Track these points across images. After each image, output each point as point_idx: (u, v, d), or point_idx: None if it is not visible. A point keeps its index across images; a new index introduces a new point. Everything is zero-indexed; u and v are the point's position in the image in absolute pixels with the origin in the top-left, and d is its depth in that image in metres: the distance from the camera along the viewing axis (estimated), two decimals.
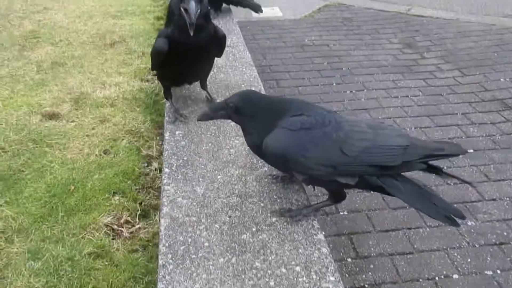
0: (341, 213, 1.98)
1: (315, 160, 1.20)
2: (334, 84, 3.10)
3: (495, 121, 2.58)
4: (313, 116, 1.26)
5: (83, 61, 2.78)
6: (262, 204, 1.36)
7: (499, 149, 2.35)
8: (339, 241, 1.84)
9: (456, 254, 1.75)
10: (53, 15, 3.55)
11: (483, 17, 4.13)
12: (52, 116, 2.16)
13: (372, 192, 2.00)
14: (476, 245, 1.78)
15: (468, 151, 2.33)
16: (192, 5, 1.49)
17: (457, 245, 1.79)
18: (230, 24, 2.86)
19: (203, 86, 1.96)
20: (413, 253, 1.76)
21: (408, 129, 2.54)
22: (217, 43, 1.82)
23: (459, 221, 1.28)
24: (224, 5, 3.17)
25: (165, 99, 1.93)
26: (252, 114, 1.29)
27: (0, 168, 1.82)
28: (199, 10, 1.52)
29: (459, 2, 4.51)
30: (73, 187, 1.72)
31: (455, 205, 1.86)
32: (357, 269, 1.71)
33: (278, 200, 1.37)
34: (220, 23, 2.81)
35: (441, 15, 4.21)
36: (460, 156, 2.26)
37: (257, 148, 1.30)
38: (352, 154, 1.20)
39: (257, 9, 3.25)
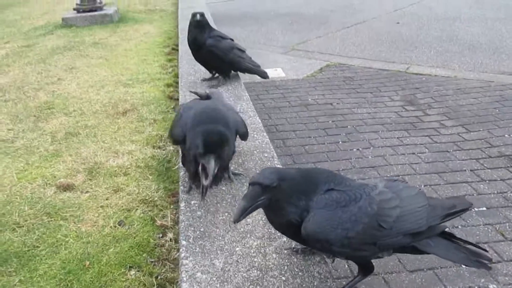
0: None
1: (358, 240, 1.18)
2: (340, 142, 3.14)
3: (504, 178, 2.59)
4: (344, 190, 1.24)
5: (96, 130, 2.85)
6: (283, 278, 1.34)
7: None
8: None
9: None
10: (67, 86, 3.68)
11: (481, 74, 4.27)
12: (67, 187, 2.19)
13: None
14: None
15: (481, 209, 2.32)
16: (212, 165, 1.48)
17: None
18: (239, 89, 2.96)
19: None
20: None
21: (418, 186, 2.54)
22: None
23: (489, 263, 1.34)
24: (232, 71, 3.30)
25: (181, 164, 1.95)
26: (288, 192, 1.22)
27: (15, 244, 1.82)
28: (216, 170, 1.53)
29: (455, 61, 4.67)
30: (88, 263, 1.70)
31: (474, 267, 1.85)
32: None
33: (300, 274, 1.35)
34: (229, 88, 2.91)
35: (439, 72, 4.35)
36: (474, 214, 2.26)
37: (289, 226, 1.25)
38: (388, 225, 1.19)
39: (264, 75, 3.40)
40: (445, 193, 2.48)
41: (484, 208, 2.32)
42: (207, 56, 3.24)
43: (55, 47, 4.96)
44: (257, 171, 1.98)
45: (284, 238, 1.51)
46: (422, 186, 2.55)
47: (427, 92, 3.92)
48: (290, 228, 1.24)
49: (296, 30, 6.13)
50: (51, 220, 1.97)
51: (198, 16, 3.12)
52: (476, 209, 2.30)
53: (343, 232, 1.17)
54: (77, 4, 6.15)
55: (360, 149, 3.01)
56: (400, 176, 2.66)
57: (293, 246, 1.45)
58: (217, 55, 3.18)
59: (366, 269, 1.32)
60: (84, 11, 6.07)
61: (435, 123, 3.34)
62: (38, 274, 1.67)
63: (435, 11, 6.92)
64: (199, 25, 3.17)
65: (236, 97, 2.87)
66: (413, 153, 2.93)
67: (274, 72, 4.61)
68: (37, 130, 2.88)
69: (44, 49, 4.92)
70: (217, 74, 3.42)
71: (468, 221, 2.22)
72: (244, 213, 1.20)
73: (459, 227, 2.17)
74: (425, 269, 1.91)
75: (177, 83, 3.40)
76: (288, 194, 1.22)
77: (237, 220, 1.20)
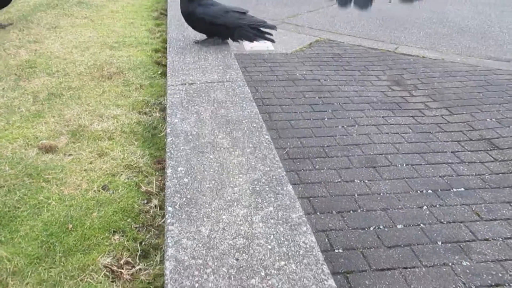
0: (336, 250, 1.98)
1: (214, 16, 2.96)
2: (326, 119, 3.15)
3: (483, 160, 2.65)
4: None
5: (81, 93, 2.77)
6: (269, 247, 1.36)
7: (489, 188, 2.41)
8: (335, 281, 1.83)
9: None
10: (50, 45, 3.55)
11: (468, 58, 4.31)
12: (49, 149, 2.14)
13: (366, 229, 2.03)
14: (472, 286, 1.79)
15: (459, 189, 2.39)
16: None
17: (453, 286, 1.79)
18: (229, 58, 2.92)
19: None
20: None
21: (399, 165, 2.59)
22: None
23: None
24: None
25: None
26: None
27: None
28: None
29: (444, 43, 4.69)
30: (71, 226, 1.68)
31: (449, 245, 1.91)
32: None
33: (286, 243, 1.37)
34: (219, 57, 2.87)
35: (427, 54, 4.37)
36: (452, 195, 2.32)
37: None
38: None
39: (272, 27, 3.41)
40: (425, 173, 2.54)
41: (462, 189, 2.38)
42: (200, 25, 3.23)
43: (37, 4, 4.75)
44: (246, 141, 1.98)
45: (271, 208, 1.52)
46: (404, 165, 2.59)
47: (414, 73, 3.94)
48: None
49: (287, 3, 6.03)
50: (33, 182, 1.93)
51: None
52: (454, 189, 2.36)
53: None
54: None
55: (345, 126, 3.03)
56: (383, 155, 2.70)
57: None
58: (209, 21, 3.14)
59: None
60: None
61: (420, 104, 3.38)
62: (19, 235, 1.64)
63: None
64: None
65: (225, 66, 2.83)
66: (397, 133, 2.97)
67: (263, 45, 4.55)
68: (18, 89, 2.78)
69: (26, 5, 4.71)
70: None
71: (446, 201, 2.28)
72: None
73: (437, 206, 2.22)
74: (402, 245, 1.96)
75: (165, 48, 3.32)
76: None
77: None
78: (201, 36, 3.41)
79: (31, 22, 4.16)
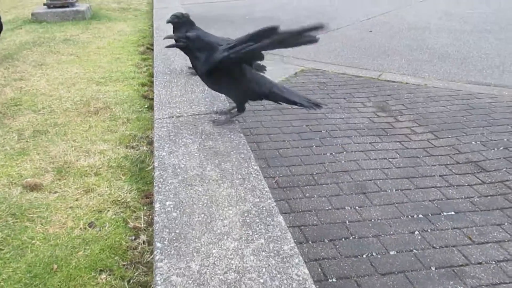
0: (329, 280, 1.94)
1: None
2: (314, 147, 3.15)
3: (471, 183, 2.67)
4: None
5: (67, 129, 2.75)
6: (261, 280, 1.33)
7: (479, 211, 2.41)
8: None
9: None
10: (36, 82, 3.55)
11: (449, 83, 4.41)
12: (34, 187, 2.10)
13: (359, 256, 2.00)
14: None
15: (450, 213, 2.38)
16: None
17: None
18: None
19: None
20: None
21: (389, 191, 2.58)
22: None
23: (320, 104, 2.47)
24: None
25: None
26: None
27: None
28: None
29: (425, 69, 4.81)
30: (56, 266, 1.63)
31: (443, 270, 1.89)
32: None
33: (278, 276, 1.34)
34: (205, 89, 2.88)
35: (410, 80, 4.46)
36: (443, 219, 2.31)
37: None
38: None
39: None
40: (415, 197, 2.53)
41: (453, 213, 2.38)
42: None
43: (23, 42, 4.78)
44: (234, 172, 1.97)
45: (262, 240, 1.49)
46: (394, 190, 2.59)
47: (399, 99, 4.00)
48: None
49: None
50: (17, 222, 1.88)
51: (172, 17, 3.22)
52: (445, 213, 2.36)
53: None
54: None
55: (334, 153, 3.04)
56: (373, 181, 2.70)
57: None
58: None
59: (240, 109, 2.49)
60: (55, 7, 5.90)
61: (406, 129, 3.42)
62: (1, 279, 1.58)
63: (406, 21, 7.11)
64: (175, 21, 3.33)
65: (212, 98, 2.85)
66: (385, 158, 2.98)
67: None
68: (2, 127, 2.76)
69: (12, 44, 4.74)
70: None
71: (437, 225, 2.27)
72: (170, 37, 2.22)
73: (429, 230, 2.21)
74: (396, 272, 1.93)
75: (152, 82, 3.34)
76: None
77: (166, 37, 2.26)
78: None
79: (17, 60, 4.18)
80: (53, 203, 2.01)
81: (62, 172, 2.27)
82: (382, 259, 2.00)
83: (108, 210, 1.98)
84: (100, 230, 1.84)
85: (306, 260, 1.95)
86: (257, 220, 1.61)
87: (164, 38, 2.38)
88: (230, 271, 1.37)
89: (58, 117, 2.93)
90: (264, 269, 1.37)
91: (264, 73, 3.57)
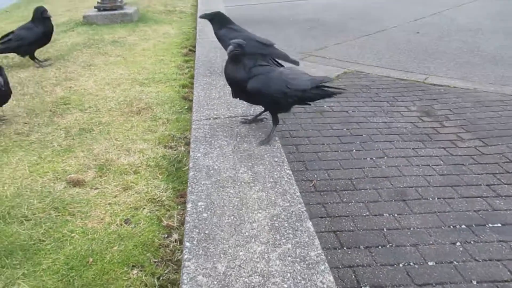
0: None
1: (276, 91, 2.23)
2: (354, 151, 3.09)
3: None
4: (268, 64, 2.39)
5: (110, 128, 2.87)
6: (285, 286, 1.31)
7: None
8: None
9: None
10: (84, 82, 3.73)
11: (502, 87, 4.16)
12: (77, 183, 2.20)
13: (395, 265, 1.94)
14: None
15: (496, 225, 2.26)
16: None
17: None
18: None
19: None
20: None
21: (431, 199, 2.48)
22: None
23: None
24: None
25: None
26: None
27: (21, 237, 1.83)
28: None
29: (476, 73, 4.58)
30: (91, 260, 1.70)
31: (485, 284, 1.80)
32: None
33: (303, 282, 1.32)
34: None
35: (458, 84, 4.26)
36: (488, 230, 2.19)
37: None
38: (291, 86, 2.25)
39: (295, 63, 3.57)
40: (458, 207, 2.42)
41: (499, 224, 2.25)
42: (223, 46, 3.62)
43: (75, 44, 5.03)
44: (267, 176, 1.97)
45: (289, 245, 1.48)
46: (436, 199, 2.49)
47: (445, 103, 3.84)
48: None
49: (315, 36, 6.10)
50: (59, 215, 1.98)
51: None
52: (490, 225, 2.24)
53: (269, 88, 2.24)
54: (98, 2, 6.23)
55: (374, 158, 2.96)
56: (414, 188, 2.61)
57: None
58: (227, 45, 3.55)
59: (275, 120, 2.40)
60: (105, 10, 6.15)
61: (452, 135, 3.27)
62: (41, 269, 1.67)
63: (457, 22, 6.81)
64: (209, 18, 3.57)
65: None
66: (428, 165, 2.87)
67: None
68: (52, 124, 2.92)
69: (64, 45, 5.00)
70: None
71: (481, 237, 2.15)
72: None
73: (472, 242, 2.11)
74: (434, 284, 1.85)
75: (193, 83, 3.41)
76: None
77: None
78: None
79: (68, 61, 4.41)
80: (93, 199, 2.10)
81: (103, 169, 2.36)
82: (420, 270, 1.93)
83: (144, 208, 2.03)
84: (135, 227, 1.90)
85: (340, 266, 1.92)
86: (286, 225, 1.60)
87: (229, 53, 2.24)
88: (255, 274, 1.37)
89: (103, 116, 3.05)
90: (289, 274, 1.36)
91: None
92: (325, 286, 1.31)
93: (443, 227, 2.20)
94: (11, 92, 2.91)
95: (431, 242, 2.09)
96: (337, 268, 1.91)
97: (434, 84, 4.30)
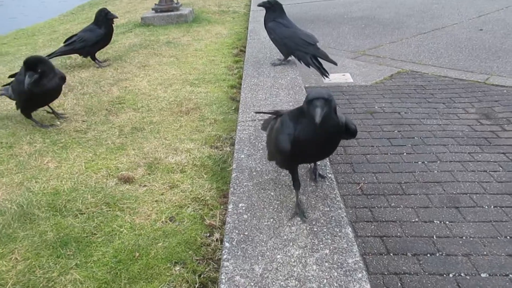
0: None
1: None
2: (405, 154, 2.98)
3: None
4: None
5: (160, 127, 2.97)
6: None
7: None
8: None
9: None
10: (138, 82, 3.89)
11: None
12: (127, 180, 2.31)
13: (445, 275, 1.86)
14: None
15: None
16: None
17: None
18: (300, 94, 2.94)
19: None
20: None
21: (486, 207, 2.35)
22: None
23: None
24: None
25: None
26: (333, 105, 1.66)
27: (75, 230, 1.95)
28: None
29: None
30: (138, 254, 1.78)
31: None
32: None
33: None
34: (290, 93, 2.90)
35: None
36: None
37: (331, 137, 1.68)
38: None
39: (333, 63, 3.67)
40: None
41: None
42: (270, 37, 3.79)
43: (132, 45, 5.26)
44: (308, 179, 1.95)
45: (327, 250, 1.46)
46: (492, 207, 2.35)
47: (508, 105, 3.60)
48: (331, 138, 1.66)
49: (369, 35, 5.95)
50: (110, 210, 2.09)
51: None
52: None
53: None
54: (155, 4, 6.47)
55: (426, 162, 2.85)
56: (468, 195, 2.48)
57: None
58: (273, 38, 3.71)
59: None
60: (161, 11, 6.37)
61: None
62: (92, 260, 1.78)
63: None
64: (267, 6, 3.68)
65: (296, 102, 2.85)
66: (485, 171, 2.71)
67: (341, 77, 4.52)
68: (107, 123, 3.08)
69: (122, 46, 5.24)
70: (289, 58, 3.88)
71: None
72: (321, 117, 1.48)
73: None
74: None
75: (241, 84, 3.45)
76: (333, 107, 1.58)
77: (319, 122, 1.47)
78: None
79: (125, 61, 4.62)
80: (141, 195, 2.19)
81: (152, 167, 2.46)
82: (471, 281, 1.84)
83: (188, 206, 2.10)
84: (179, 224, 1.96)
85: (385, 273, 1.88)
86: (325, 230, 1.58)
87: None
88: (292, 278, 1.37)
89: (154, 116, 3.17)
90: (325, 280, 1.34)
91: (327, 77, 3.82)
92: None
93: (499, 237, 2.09)
94: (60, 91, 3.09)
95: (485, 252, 1.99)
96: (382, 275, 1.87)
97: (496, 85, 4.04)
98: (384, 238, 2.10)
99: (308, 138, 1.59)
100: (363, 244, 2.05)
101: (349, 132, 1.76)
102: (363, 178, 2.62)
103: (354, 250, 1.46)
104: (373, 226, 2.18)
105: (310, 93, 1.56)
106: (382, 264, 1.93)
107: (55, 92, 3.01)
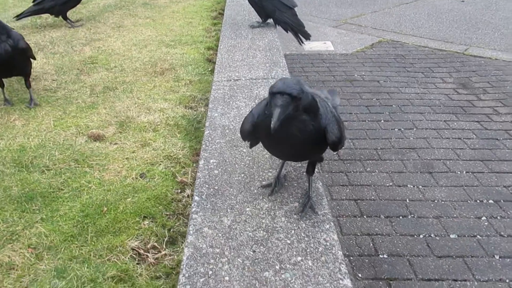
0: (380, 256, 1.84)
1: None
2: (382, 121, 2.99)
3: None
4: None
5: (133, 87, 2.89)
6: (288, 241, 1.29)
7: None
8: (376, 286, 1.71)
9: None
10: (112, 43, 3.76)
11: None
12: (97, 137, 2.24)
13: (416, 236, 1.90)
14: None
15: None
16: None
17: None
18: (277, 56, 2.88)
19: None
20: None
21: (459, 172, 2.38)
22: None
23: None
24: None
25: None
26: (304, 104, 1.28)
27: (41, 185, 1.89)
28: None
29: None
30: (105, 209, 1.74)
31: (508, 260, 1.73)
32: None
33: (306, 239, 1.30)
34: (267, 55, 2.84)
35: (501, 56, 4.00)
36: None
37: (305, 140, 1.32)
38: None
39: (305, 36, 3.42)
40: (487, 182, 2.30)
41: None
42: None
43: (106, 5, 5.08)
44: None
45: (296, 203, 1.45)
46: (464, 173, 2.38)
47: (484, 76, 3.63)
48: (305, 142, 1.30)
49: (351, 4, 5.87)
50: (78, 167, 2.02)
51: None
52: None
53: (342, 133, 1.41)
54: None
55: (402, 129, 2.86)
56: (442, 161, 2.50)
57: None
58: (251, 0, 3.57)
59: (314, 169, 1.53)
60: None
61: (488, 109, 3.10)
62: (58, 215, 1.73)
63: None
64: None
65: (273, 63, 2.79)
66: (459, 138, 2.74)
67: (323, 45, 4.46)
68: (78, 82, 2.97)
69: (96, 7, 5.05)
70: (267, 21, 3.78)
71: (509, 213, 2.05)
72: (280, 121, 1.19)
73: (498, 217, 2.02)
74: (454, 256, 1.80)
75: (218, 46, 3.36)
76: (304, 106, 1.26)
77: (276, 128, 1.17)
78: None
79: (99, 21, 4.45)
80: (112, 153, 2.13)
81: (123, 126, 2.39)
82: (441, 242, 1.88)
83: (160, 164, 2.05)
84: (149, 181, 1.92)
85: (358, 234, 1.90)
86: (295, 184, 1.57)
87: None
88: (260, 229, 1.35)
89: (127, 76, 3.08)
90: (293, 231, 1.33)
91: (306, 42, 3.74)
92: (328, 243, 1.28)
93: (469, 201, 2.12)
94: (13, 62, 2.51)
95: (455, 215, 2.03)
96: (355, 235, 1.89)
97: (474, 56, 4.06)
98: (359, 201, 2.11)
99: (267, 136, 1.33)
100: (337, 207, 2.06)
101: (328, 142, 1.36)
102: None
103: (324, 203, 1.45)
104: (348, 190, 2.19)
105: (275, 84, 1.25)
106: (356, 225, 1.95)
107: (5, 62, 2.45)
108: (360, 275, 1.70)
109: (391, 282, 1.70)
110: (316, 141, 1.34)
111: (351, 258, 1.77)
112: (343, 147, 1.51)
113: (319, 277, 1.16)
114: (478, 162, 2.48)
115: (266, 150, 1.49)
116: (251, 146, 1.50)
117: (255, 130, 1.38)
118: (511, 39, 4.40)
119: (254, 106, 2.12)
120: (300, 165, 1.74)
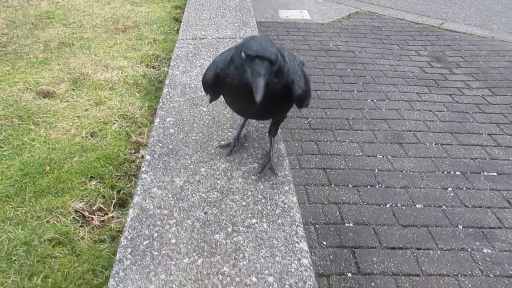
0: (346, 224, 1.79)
1: None
2: (355, 91, 2.91)
3: None
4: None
5: (91, 43, 2.68)
6: (244, 203, 1.19)
7: None
8: (340, 254, 1.66)
9: (467, 283, 1.53)
10: None
11: None
12: (47, 94, 2.06)
13: (382, 205, 1.87)
14: (490, 274, 1.57)
15: (491, 174, 2.12)
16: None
17: (469, 272, 1.57)
18: (247, 16, 2.72)
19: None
20: (420, 276, 1.56)
21: (428, 144, 2.34)
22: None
23: None
24: None
25: None
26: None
27: None
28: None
29: (496, 21, 4.25)
30: (48, 168, 1.58)
31: (470, 229, 1.68)
32: (357, 285, 1.52)
33: (263, 200, 1.20)
34: (237, 14, 2.68)
35: (475, 32, 3.97)
36: (482, 178, 2.07)
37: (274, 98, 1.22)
38: None
39: None
40: (455, 154, 2.27)
41: (495, 174, 2.12)
42: None
43: None
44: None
45: (255, 164, 1.34)
46: (433, 144, 2.34)
47: (458, 50, 3.58)
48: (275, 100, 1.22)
49: None
50: (22, 124, 1.85)
51: None
52: (485, 173, 2.11)
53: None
54: None
55: (375, 100, 2.79)
56: (412, 132, 2.45)
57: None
58: None
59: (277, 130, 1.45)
60: None
61: (460, 82, 3.06)
62: None
63: None
64: None
65: (242, 23, 2.64)
66: (430, 111, 2.69)
67: (299, 14, 4.32)
68: (31, 37, 2.73)
69: None
70: None
71: (474, 184, 2.02)
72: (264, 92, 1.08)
73: (464, 188, 1.99)
74: (419, 226, 1.77)
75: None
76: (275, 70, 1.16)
77: (261, 98, 1.06)
78: None
79: None
80: (61, 110, 1.96)
81: (77, 83, 2.21)
82: (407, 211, 1.85)
83: (114, 123, 1.90)
84: (100, 140, 1.77)
85: (325, 202, 1.85)
86: (256, 145, 1.46)
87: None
88: (214, 190, 1.24)
89: (86, 32, 2.86)
90: (249, 193, 1.23)
91: None
92: (286, 206, 1.18)
93: (436, 172, 2.09)
94: None
95: (422, 186, 2.00)
96: (322, 204, 1.84)
97: (449, 30, 4.00)
98: (327, 170, 2.06)
99: (230, 92, 1.24)
100: (306, 176, 2.00)
101: (294, 96, 1.25)
102: (312, 113, 2.54)
103: (284, 164, 1.35)
104: (317, 159, 2.13)
105: (250, 44, 1.12)
106: (323, 194, 1.91)
107: None
108: (324, 242, 1.65)
109: (355, 250, 1.66)
110: (282, 96, 1.24)
111: (317, 226, 1.72)
112: (307, 106, 1.39)
113: (274, 240, 1.06)
114: (448, 134, 2.45)
115: (227, 109, 1.38)
116: (210, 101, 1.38)
117: (217, 81, 1.26)
118: (486, 15, 4.36)
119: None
120: (262, 125, 1.63)
